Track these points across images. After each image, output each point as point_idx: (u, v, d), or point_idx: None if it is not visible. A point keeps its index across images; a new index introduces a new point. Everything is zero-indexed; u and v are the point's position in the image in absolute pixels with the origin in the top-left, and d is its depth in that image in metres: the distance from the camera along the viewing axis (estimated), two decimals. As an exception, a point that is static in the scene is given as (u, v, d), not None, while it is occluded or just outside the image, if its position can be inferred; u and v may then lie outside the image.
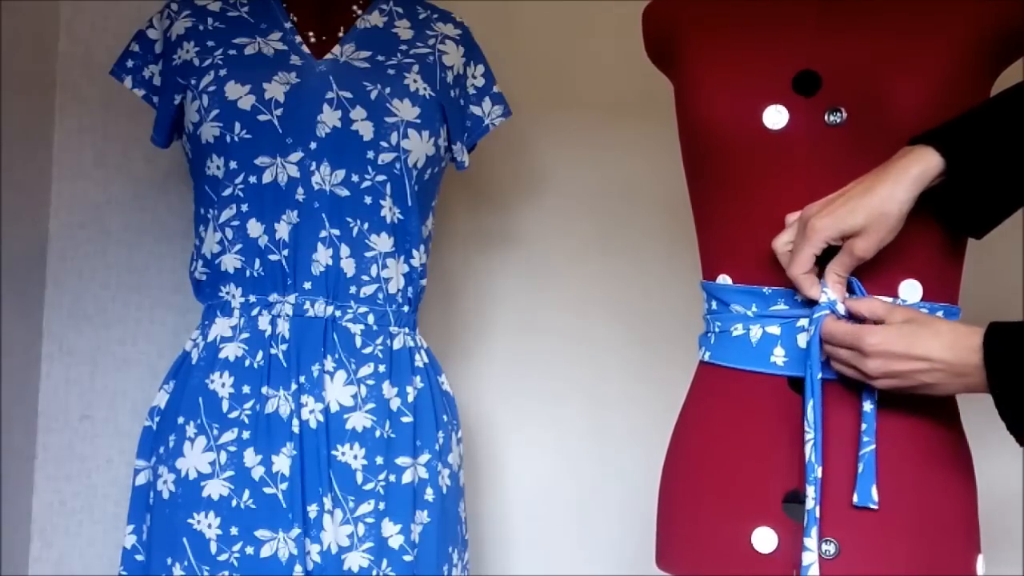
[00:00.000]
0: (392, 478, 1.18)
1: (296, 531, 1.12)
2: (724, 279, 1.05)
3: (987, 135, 0.90)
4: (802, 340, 0.98)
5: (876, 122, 0.96)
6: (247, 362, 1.17)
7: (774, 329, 1.00)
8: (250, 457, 1.14)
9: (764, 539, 0.98)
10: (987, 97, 1.01)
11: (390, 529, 1.17)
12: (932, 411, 0.97)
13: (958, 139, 0.90)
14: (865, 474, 0.94)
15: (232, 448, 1.14)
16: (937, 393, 0.91)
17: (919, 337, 0.89)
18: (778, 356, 1.00)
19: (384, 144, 1.20)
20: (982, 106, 0.92)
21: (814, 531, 0.92)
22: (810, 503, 0.93)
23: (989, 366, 0.85)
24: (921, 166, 0.90)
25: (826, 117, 0.98)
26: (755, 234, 1.01)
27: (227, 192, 1.20)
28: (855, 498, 0.94)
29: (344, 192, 1.19)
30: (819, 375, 0.94)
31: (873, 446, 0.94)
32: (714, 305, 1.06)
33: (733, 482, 1.01)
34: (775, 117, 1.00)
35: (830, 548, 0.95)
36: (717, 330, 1.05)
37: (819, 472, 0.93)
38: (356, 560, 1.15)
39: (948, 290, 1.00)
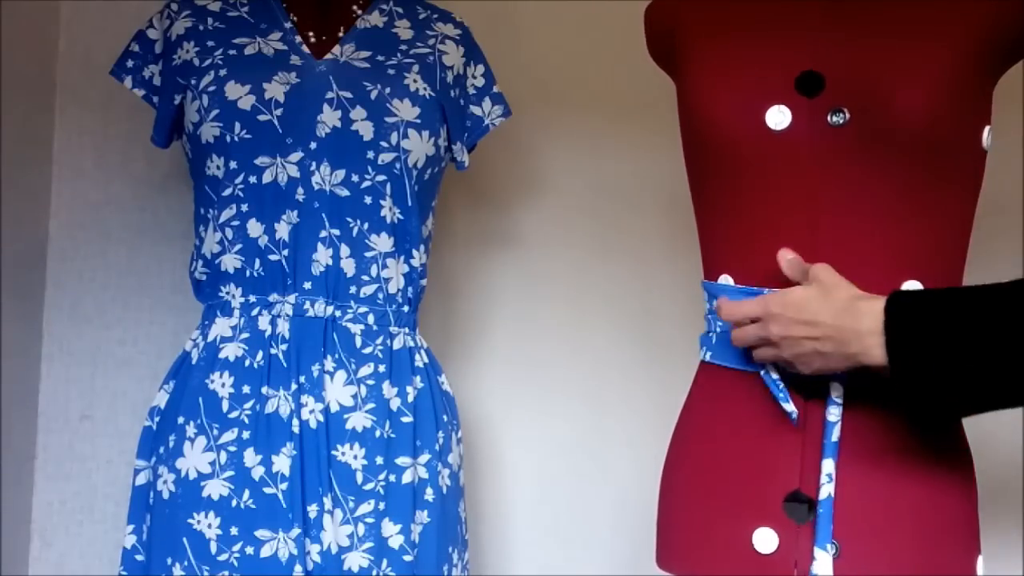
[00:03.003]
0: (392, 478, 1.18)
1: (296, 531, 1.12)
2: (726, 279, 1.04)
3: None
4: None
5: (879, 123, 0.96)
6: (247, 362, 1.17)
7: None
8: (250, 457, 1.14)
9: (765, 539, 0.98)
10: (988, 99, 1.01)
11: (390, 529, 1.17)
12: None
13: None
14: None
15: (232, 448, 1.14)
16: (828, 370, 0.90)
17: (815, 301, 0.86)
18: None
19: (384, 144, 1.20)
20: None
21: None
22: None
23: (889, 334, 0.81)
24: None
25: (829, 118, 0.98)
26: (757, 234, 1.01)
27: (227, 192, 1.20)
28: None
29: (344, 192, 1.19)
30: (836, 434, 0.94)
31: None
32: (716, 305, 1.06)
33: (734, 482, 1.01)
34: (778, 117, 0.99)
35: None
36: (719, 330, 1.05)
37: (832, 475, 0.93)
38: (356, 560, 1.15)
39: None
